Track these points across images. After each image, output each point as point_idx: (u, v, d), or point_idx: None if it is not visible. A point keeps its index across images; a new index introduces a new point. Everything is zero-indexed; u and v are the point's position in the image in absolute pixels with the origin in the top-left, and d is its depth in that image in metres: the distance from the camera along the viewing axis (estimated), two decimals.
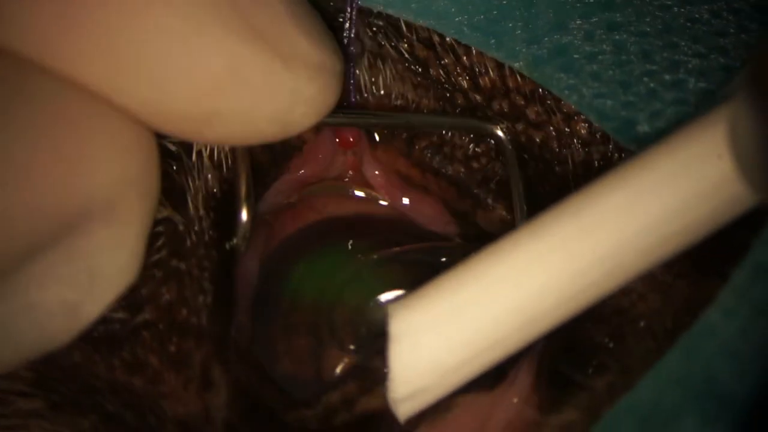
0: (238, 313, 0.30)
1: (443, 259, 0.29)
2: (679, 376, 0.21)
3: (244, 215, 0.30)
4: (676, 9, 0.25)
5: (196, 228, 0.29)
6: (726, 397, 0.21)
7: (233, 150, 0.30)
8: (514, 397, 0.25)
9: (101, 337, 0.26)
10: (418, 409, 0.21)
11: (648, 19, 0.25)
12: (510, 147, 0.29)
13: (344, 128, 0.31)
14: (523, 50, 0.26)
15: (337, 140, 0.31)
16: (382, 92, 0.31)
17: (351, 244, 0.31)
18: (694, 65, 0.24)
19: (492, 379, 0.26)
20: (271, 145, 0.31)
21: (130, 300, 0.27)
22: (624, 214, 0.20)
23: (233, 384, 0.28)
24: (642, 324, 0.26)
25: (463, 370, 0.21)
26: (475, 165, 0.32)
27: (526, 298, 0.20)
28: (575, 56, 0.25)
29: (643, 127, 0.24)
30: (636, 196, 0.20)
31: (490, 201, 0.32)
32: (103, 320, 0.26)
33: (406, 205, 0.32)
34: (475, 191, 0.32)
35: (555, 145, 0.28)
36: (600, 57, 0.25)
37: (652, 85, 0.24)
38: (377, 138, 0.33)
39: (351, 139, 0.31)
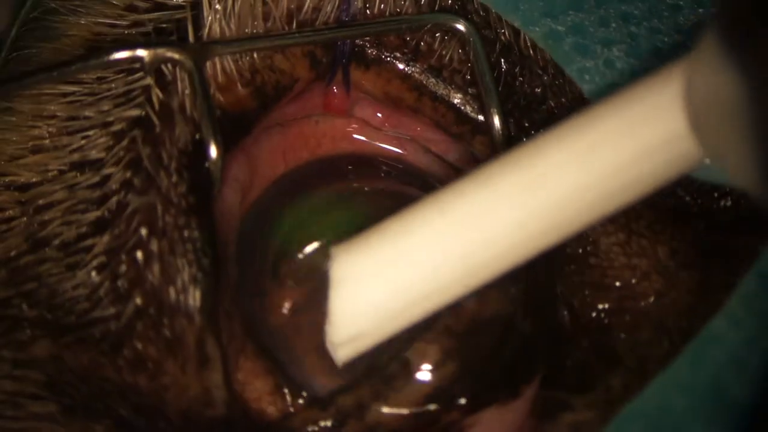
0: (225, 264, 0.29)
1: None
2: (685, 384, 0.22)
3: (213, 151, 0.28)
4: (686, 11, 0.24)
5: (173, 199, 0.27)
6: (732, 405, 0.22)
7: (193, 86, 0.27)
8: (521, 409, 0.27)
9: (102, 337, 0.26)
10: (356, 354, 0.22)
11: (660, 18, 0.25)
12: (472, 39, 0.29)
13: (333, 93, 0.29)
14: (541, 21, 0.25)
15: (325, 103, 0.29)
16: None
17: (347, 190, 0.30)
18: None
19: (506, 394, 0.27)
20: (261, 87, 0.29)
21: (117, 292, 0.26)
22: (573, 166, 0.20)
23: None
24: (645, 304, 0.27)
25: (403, 317, 0.21)
26: (474, 91, 0.30)
27: (471, 247, 0.20)
28: (590, 39, 0.25)
29: None
30: (588, 147, 0.20)
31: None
32: (99, 320, 0.26)
33: (404, 142, 0.30)
34: (473, 116, 0.30)
35: None
36: (614, 47, 0.25)
37: None
38: (370, 59, 0.30)
39: (337, 102, 0.30)
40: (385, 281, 0.21)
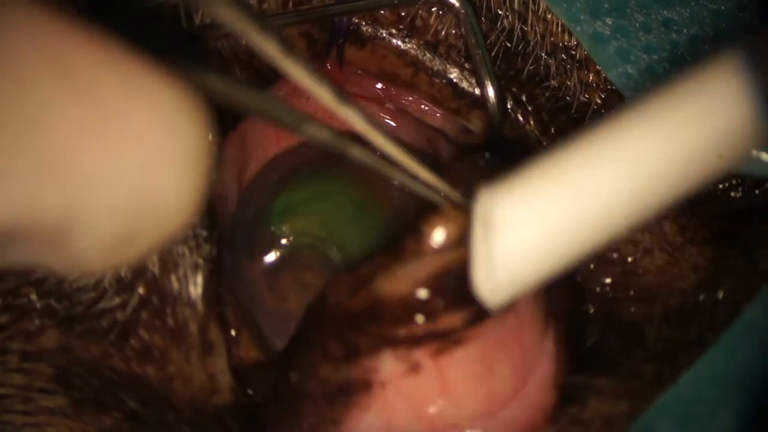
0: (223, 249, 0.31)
1: None
2: (718, 372, 0.24)
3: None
4: (730, 15, 0.26)
5: None
6: (763, 394, 0.24)
7: None
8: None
9: (110, 328, 0.28)
10: (510, 300, 0.23)
11: (701, 24, 0.26)
12: (464, 10, 0.30)
13: (327, 70, 0.31)
14: (588, 20, 0.27)
15: None
16: None
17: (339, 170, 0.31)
18: None
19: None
20: (256, 68, 0.31)
21: (121, 282, 0.28)
22: None
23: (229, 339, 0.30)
24: (648, 279, 0.29)
25: (566, 256, 0.22)
26: (470, 66, 0.32)
27: (635, 179, 0.21)
28: (632, 43, 0.26)
29: None
30: None
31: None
32: (106, 311, 0.28)
33: (397, 117, 0.32)
34: (470, 91, 0.32)
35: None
36: (655, 55, 0.26)
37: None
38: (365, 37, 0.32)
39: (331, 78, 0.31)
40: (549, 219, 0.21)
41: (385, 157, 0.23)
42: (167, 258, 0.29)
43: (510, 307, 0.26)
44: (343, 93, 0.21)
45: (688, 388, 0.24)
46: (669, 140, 0.21)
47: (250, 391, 0.31)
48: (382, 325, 0.26)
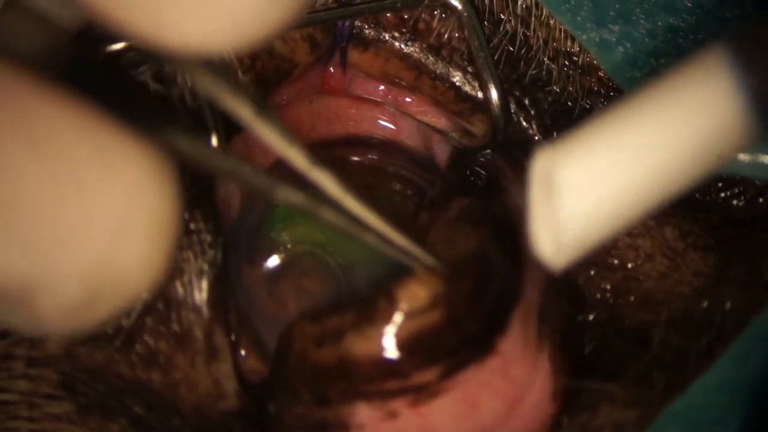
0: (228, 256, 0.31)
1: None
2: (727, 381, 0.24)
3: (213, 141, 0.29)
4: (735, 23, 0.26)
5: None
6: None
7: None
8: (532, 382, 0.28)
9: (115, 334, 0.28)
10: (574, 260, 0.23)
11: (707, 30, 0.26)
12: (467, 14, 0.31)
13: (330, 73, 0.31)
14: (594, 28, 0.27)
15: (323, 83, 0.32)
16: None
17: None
18: None
19: (482, 347, 0.27)
20: (261, 73, 0.31)
21: None
22: None
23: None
24: (649, 285, 0.29)
25: (627, 217, 0.22)
26: (473, 69, 0.33)
27: (696, 139, 0.21)
28: (639, 49, 0.26)
29: None
30: None
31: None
32: None
33: (399, 120, 0.33)
34: (473, 94, 0.33)
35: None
36: (663, 59, 0.26)
37: None
38: (368, 40, 0.32)
39: (334, 82, 0.32)
40: (610, 180, 0.21)
41: (358, 221, 0.23)
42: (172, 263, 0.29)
43: (492, 351, 0.27)
44: (315, 157, 0.21)
45: (698, 395, 0.24)
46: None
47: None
48: (353, 383, 0.27)
